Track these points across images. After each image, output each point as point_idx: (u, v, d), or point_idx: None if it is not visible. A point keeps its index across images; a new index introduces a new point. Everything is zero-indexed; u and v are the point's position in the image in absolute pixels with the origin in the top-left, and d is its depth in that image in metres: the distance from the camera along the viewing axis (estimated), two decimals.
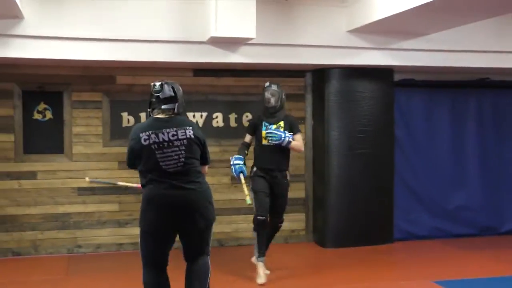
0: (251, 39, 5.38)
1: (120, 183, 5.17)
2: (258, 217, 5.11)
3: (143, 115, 6.25)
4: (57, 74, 6.06)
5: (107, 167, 6.22)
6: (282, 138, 5.08)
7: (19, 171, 6.05)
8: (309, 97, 6.76)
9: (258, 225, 5.11)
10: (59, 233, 6.16)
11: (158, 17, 5.51)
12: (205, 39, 5.49)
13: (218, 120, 6.53)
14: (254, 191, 5.20)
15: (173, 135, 3.66)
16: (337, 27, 5.93)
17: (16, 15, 5.07)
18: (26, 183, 6.06)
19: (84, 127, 6.18)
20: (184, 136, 3.69)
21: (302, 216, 6.81)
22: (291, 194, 6.65)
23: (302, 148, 5.39)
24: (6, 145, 6.02)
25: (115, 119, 6.26)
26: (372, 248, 6.42)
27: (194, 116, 6.43)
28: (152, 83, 3.82)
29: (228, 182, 6.58)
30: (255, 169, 5.29)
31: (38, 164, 6.08)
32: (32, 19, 5.24)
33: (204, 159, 3.89)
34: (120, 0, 5.44)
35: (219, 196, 6.51)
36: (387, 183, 6.65)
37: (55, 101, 6.12)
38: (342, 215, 6.49)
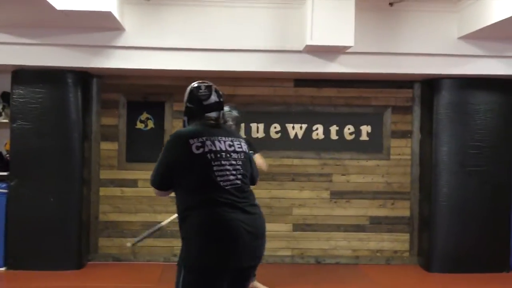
0: (350, 47, 5.11)
1: (164, 223, 4.68)
2: None
3: (242, 126, 6.17)
4: (160, 84, 6.16)
5: None
6: None
7: (122, 179, 6.20)
8: (417, 109, 6.33)
9: None
10: (156, 241, 6.21)
11: (255, 26, 5.43)
12: (301, 48, 5.32)
13: (318, 132, 6.29)
14: None
15: (229, 145, 3.01)
16: (447, 34, 5.49)
17: (117, 28, 5.21)
18: (128, 191, 6.20)
19: None
20: (241, 149, 3.06)
21: (406, 236, 6.37)
22: (394, 212, 6.32)
23: (264, 167, 5.09)
24: (110, 153, 6.20)
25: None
26: (484, 276, 5.83)
27: (293, 127, 6.26)
28: (195, 86, 3.16)
29: (328, 197, 6.31)
30: None
31: (140, 172, 6.18)
32: (133, 31, 5.37)
33: (252, 180, 3.17)
34: (218, 10, 5.42)
35: (318, 211, 6.28)
36: (504, 204, 6.03)
37: (157, 110, 6.22)
38: (451, 237, 5.96)
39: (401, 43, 5.49)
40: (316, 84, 6.22)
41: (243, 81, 6.16)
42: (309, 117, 6.30)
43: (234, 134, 3.17)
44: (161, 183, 2.98)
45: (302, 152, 6.28)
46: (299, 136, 6.25)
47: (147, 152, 6.22)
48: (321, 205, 6.32)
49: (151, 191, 6.18)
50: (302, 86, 6.24)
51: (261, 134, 6.25)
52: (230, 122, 4.88)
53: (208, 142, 2.93)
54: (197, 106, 3.08)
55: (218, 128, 3.08)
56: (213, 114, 3.08)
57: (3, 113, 5.76)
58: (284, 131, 6.27)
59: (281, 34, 5.43)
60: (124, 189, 6.19)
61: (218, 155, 2.93)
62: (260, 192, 6.17)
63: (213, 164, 2.90)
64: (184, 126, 3.14)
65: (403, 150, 6.33)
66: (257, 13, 5.44)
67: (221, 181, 2.89)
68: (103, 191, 6.20)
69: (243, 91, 6.17)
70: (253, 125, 6.25)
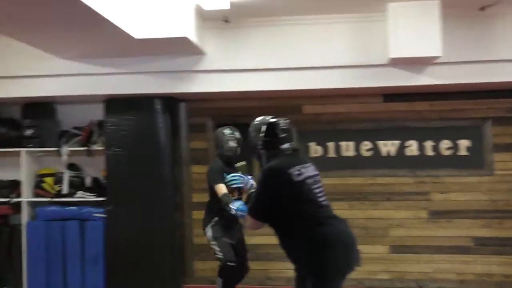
0: (438, 57, 4.80)
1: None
2: (228, 263, 4.80)
3: (330, 145, 6.02)
4: (247, 106, 6.16)
5: None
6: (245, 180, 4.62)
7: None
8: None
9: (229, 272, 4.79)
10: (251, 264, 6.15)
11: (337, 42, 5.30)
12: (386, 61, 5.08)
13: (412, 148, 5.96)
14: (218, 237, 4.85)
15: (311, 170, 3.40)
16: None
17: (198, 52, 5.28)
18: None
19: None
20: (317, 174, 3.44)
21: None
22: (502, 232, 5.83)
23: None
24: (201, 177, 6.24)
25: (302, 150, 6.10)
26: None
27: (385, 144, 5.98)
28: (272, 121, 3.48)
29: (426, 216, 5.93)
30: (216, 218, 4.85)
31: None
32: (215, 54, 5.43)
33: None
34: (297, 28, 5.36)
35: (416, 232, 5.93)
36: None
37: (245, 132, 6.18)
38: None
39: (495, 49, 5.08)
40: (406, 98, 5.91)
41: (329, 99, 6.00)
42: (401, 133, 5.98)
43: (308, 161, 3.47)
44: (263, 214, 3.28)
45: (396, 170, 5.97)
46: (392, 153, 5.96)
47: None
48: (419, 226, 5.95)
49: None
50: (392, 101, 5.96)
51: (351, 153, 6.04)
52: (234, 144, 4.86)
53: (303, 170, 3.31)
54: (275, 139, 3.41)
55: (298, 156, 3.45)
56: (287, 145, 3.41)
57: (98, 141, 6.02)
58: (375, 148, 6.01)
59: (364, 48, 5.25)
60: None
61: (311, 180, 3.32)
62: (355, 213, 5.97)
63: (312, 187, 3.29)
64: (261, 158, 3.45)
65: (508, 165, 5.82)
66: (337, 29, 5.31)
67: (321, 200, 3.29)
68: (196, 214, 6.26)
69: (330, 109, 6.01)
70: (343, 144, 6.04)
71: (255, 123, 3.53)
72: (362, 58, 5.27)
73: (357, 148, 6.03)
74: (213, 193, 4.78)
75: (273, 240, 5.94)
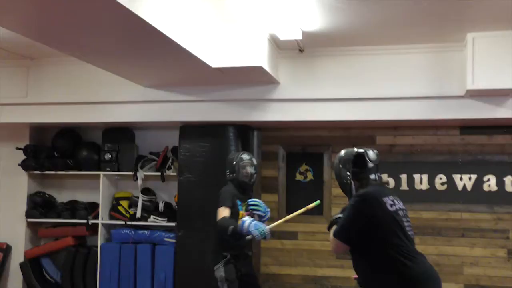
0: None
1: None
2: None
3: (403, 177, 5.88)
4: (318, 135, 6.15)
5: None
6: (267, 211, 4.54)
7: (282, 231, 6.20)
8: None
9: None
10: None
11: (412, 72, 5.23)
12: (462, 93, 4.95)
13: (490, 183, 5.72)
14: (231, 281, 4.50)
15: (401, 203, 3.32)
16: None
17: (272, 81, 5.36)
18: (288, 243, 6.18)
19: None
20: (405, 208, 3.35)
21: None
22: None
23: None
24: (270, 205, 6.15)
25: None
26: None
27: (461, 178, 5.78)
28: (361, 151, 3.43)
29: (505, 255, 5.66)
30: (229, 256, 4.52)
31: (299, 225, 6.13)
32: (288, 83, 5.48)
33: None
34: (372, 58, 5.35)
35: (493, 272, 5.66)
36: None
37: (316, 162, 6.18)
38: None
39: None
40: (485, 131, 5.70)
41: (403, 130, 5.89)
42: (479, 167, 5.76)
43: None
44: (349, 237, 3.20)
45: (472, 205, 5.74)
46: (468, 188, 5.75)
47: (307, 204, 6.17)
48: (496, 265, 5.67)
49: (311, 244, 6.16)
50: (469, 133, 5.77)
51: (425, 186, 5.87)
52: (252, 171, 4.67)
53: (395, 201, 3.26)
54: (364, 169, 3.36)
55: (386, 187, 3.52)
56: (376, 175, 3.38)
57: (172, 166, 6.17)
58: (450, 182, 5.81)
59: (441, 79, 5.16)
60: (284, 241, 6.19)
61: (402, 212, 3.26)
62: (427, 248, 5.75)
63: (403, 220, 3.22)
64: (350, 189, 3.36)
65: None
66: (413, 59, 5.24)
67: (411, 234, 3.23)
68: (264, 243, 6.26)
69: (403, 140, 5.89)
70: (416, 176, 5.89)
71: (342, 154, 3.51)
72: (438, 89, 5.17)
73: (431, 181, 5.86)
74: None
75: (339, 272, 5.94)
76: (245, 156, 4.68)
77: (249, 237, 4.24)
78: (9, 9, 3.39)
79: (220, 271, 4.50)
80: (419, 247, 5.58)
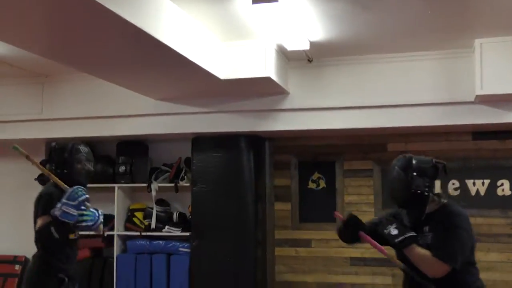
0: None
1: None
2: None
3: None
4: (330, 144, 6.18)
5: None
6: (96, 217, 3.75)
7: (296, 239, 6.24)
8: None
9: None
10: None
11: (421, 79, 5.24)
12: (472, 98, 4.96)
13: (504, 188, 5.70)
14: None
15: None
16: None
17: (281, 91, 5.41)
18: (302, 251, 6.21)
19: (356, 196, 6.10)
20: None
21: None
22: None
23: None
24: (284, 214, 6.31)
25: (387, 188, 5.99)
26: None
27: (474, 183, 5.77)
28: (430, 159, 3.12)
29: None
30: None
31: (313, 232, 6.18)
32: (298, 93, 5.53)
33: None
34: (380, 66, 5.37)
35: (509, 277, 5.64)
36: None
37: (328, 170, 6.20)
38: None
39: None
40: (497, 136, 5.69)
41: (414, 137, 5.89)
42: (492, 172, 5.74)
43: None
44: (460, 259, 2.94)
45: (486, 210, 5.72)
46: (481, 193, 5.74)
47: (320, 212, 6.21)
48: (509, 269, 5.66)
49: (325, 251, 6.15)
50: (482, 139, 5.76)
51: (438, 191, 5.84)
52: (91, 168, 3.84)
53: None
54: (433, 180, 3.11)
55: None
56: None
57: (185, 177, 6.24)
58: (463, 187, 5.80)
59: (450, 85, 5.16)
60: (298, 249, 6.22)
61: None
62: None
63: None
64: (425, 202, 3.06)
65: None
66: (422, 66, 5.26)
67: None
68: (278, 251, 6.30)
69: (415, 147, 5.86)
70: None
71: (416, 161, 3.08)
72: (448, 95, 5.17)
73: (444, 187, 5.85)
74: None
75: (353, 279, 5.95)
76: (84, 148, 3.77)
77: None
78: (22, 29, 3.50)
79: None
80: None
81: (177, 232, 6.21)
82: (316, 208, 6.23)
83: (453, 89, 5.14)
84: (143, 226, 6.31)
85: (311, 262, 6.18)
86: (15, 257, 6.43)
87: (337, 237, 6.23)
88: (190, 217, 6.17)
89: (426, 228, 3.02)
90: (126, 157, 6.40)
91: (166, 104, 5.83)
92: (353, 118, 5.48)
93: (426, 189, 3.01)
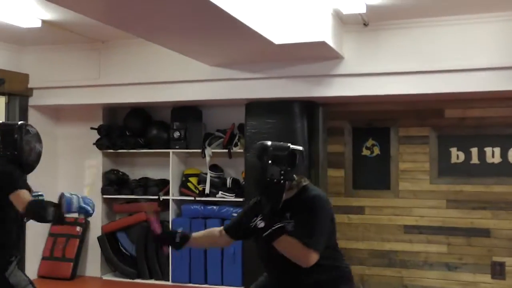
0: None
1: None
2: None
3: (474, 150, 5.74)
4: (385, 110, 6.07)
5: (434, 205, 5.87)
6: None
7: (349, 206, 6.21)
8: None
9: None
10: (385, 270, 6.06)
11: (484, 43, 5.05)
12: None
13: None
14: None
15: None
16: None
17: (336, 56, 5.32)
18: (355, 218, 6.18)
19: (411, 163, 5.99)
20: None
21: None
22: None
23: None
24: (337, 180, 6.28)
25: (443, 155, 5.89)
26: None
27: None
28: (287, 145, 2.94)
29: None
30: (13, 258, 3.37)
31: (366, 199, 6.14)
32: (353, 58, 5.43)
33: None
34: (441, 29, 5.20)
35: None
36: None
37: (382, 137, 6.11)
38: None
39: None
40: None
41: (474, 102, 5.72)
42: None
43: None
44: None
45: None
46: None
47: (373, 179, 6.16)
48: None
49: (378, 218, 6.14)
50: None
51: (497, 159, 5.71)
52: (41, 149, 3.54)
53: None
54: (291, 167, 2.94)
55: None
56: None
57: (239, 143, 6.28)
58: None
59: (509, 50, 4.95)
60: (351, 216, 6.19)
61: None
62: (499, 223, 5.72)
63: None
64: (281, 190, 2.86)
65: None
66: (482, 29, 5.07)
67: None
68: None
69: (474, 113, 5.74)
70: (488, 150, 5.73)
71: (269, 149, 2.89)
72: (510, 59, 4.98)
73: (504, 155, 5.69)
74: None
75: (407, 247, 5.90)
76: (32, 129, 3.51)
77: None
78: None
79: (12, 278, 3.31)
80: (492, 222, 5.60)
81: (230, 198, 6.28)
82: (370, 175, 6.17)
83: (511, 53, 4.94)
84: (197, 191, 6.42)
85: (364, 229, 6.15)
86: (76, 219, 6.67)
87: (391, 204, 6.24)
88: (244, 183, 6.23)
89: (288, 215, 2.87)
90: (180, 123, 6.47)
91: (220, 70, 5.84)
92: (410, 83, 5.35)
93: (282, 177, 2.84)
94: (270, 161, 2.85)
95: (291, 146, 2.94)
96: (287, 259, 2.79)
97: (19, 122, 3.52)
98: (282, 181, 2.84)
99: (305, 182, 2.96)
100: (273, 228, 2.77)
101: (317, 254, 2.76)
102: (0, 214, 3.26)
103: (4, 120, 6.43)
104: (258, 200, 3.06)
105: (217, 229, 3.28)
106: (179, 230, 3.15)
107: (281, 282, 2.97)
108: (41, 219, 3.20)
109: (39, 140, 3.51)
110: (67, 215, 3.36)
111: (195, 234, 3.23)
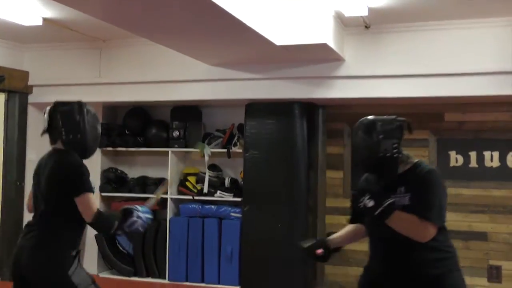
0: None
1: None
2: None
3: (472, 154, 5.75)
4: (384, 113, 6.03)
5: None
6: None
7: (347, 207, 6.15)
8: None
9: None
10: None
11: (482, 47, 5.07)
12: None
13: None
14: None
15: None
16: None
17: (337, 58, 5.33)
18: None
19: None
20: None
21: None
22: None
23: None
24: (336, 182, 6.29)
25: (442, 158, 5.90)
26: None
27: None
28: (393, 117, 3.04)
29: None
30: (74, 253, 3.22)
31: None
32: (353, 60, 5.44)
33: None
34: (440, 34, 5.23)
35: None
36: None
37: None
38: None
39: None
40: None
41: (474, 106, 5.74)
42: None
43: None
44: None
45: None
46: None
47: None
48: None
49: None
50: None
51: (496, 163, 5.72)
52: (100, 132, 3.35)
53: None
54: (400, 140, 3.00)
55: None
56: None
57: (238, 143, 6.28)
58: None
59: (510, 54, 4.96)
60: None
61: None
62: (497, 226, 5.74)
63: None
64: (396, 164, 2.93)
65: None
66: (484, 33, 5.10)
67: None
68: (328, 219, 6.30)
69: (474, 117, 5.75)
70: (487, 154, 5.74)
71: (379, 124, 2.96)
72: (510, 64, 4.99)
73: (502, 159, 5.70)
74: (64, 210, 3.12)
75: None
76: (91, 108, 3.25)
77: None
78: None
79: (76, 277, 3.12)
80: (489, 226, 5.61)
81: (229, 197, 6.29)
82: None
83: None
84: (195, 191, 6.42)
85: None
86: None
87: None
88: (242, 182, 6.23)
89: (402, 189, 2.85)
90: (180, 122, 6.48)
91: (221, 70, 5.85)
92: (410, 86, 5.37)
93: (395, 150, 2.88)
94: (381, 136, 2.87)
95: (397, 117, 2.97)
96: (397, 236, 2.76)
97: (77, 101, 3.20)
98: (396, 155, 2.86)
99: (414, 158, 2.95)
100: (384, 205, 2.73)
101: (435, 228, 2.76)
102: (68, 212, 3.10)
103: (4, 118, 6.44)
104: (365, 178, 3.06)
105: (350, 226, 3.40)
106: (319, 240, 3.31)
107: (387, 261, 2.96)
108: (103, 234, 2.99)
109: (98, 120, 3.29)
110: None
111: (338, 240, 3.43)
